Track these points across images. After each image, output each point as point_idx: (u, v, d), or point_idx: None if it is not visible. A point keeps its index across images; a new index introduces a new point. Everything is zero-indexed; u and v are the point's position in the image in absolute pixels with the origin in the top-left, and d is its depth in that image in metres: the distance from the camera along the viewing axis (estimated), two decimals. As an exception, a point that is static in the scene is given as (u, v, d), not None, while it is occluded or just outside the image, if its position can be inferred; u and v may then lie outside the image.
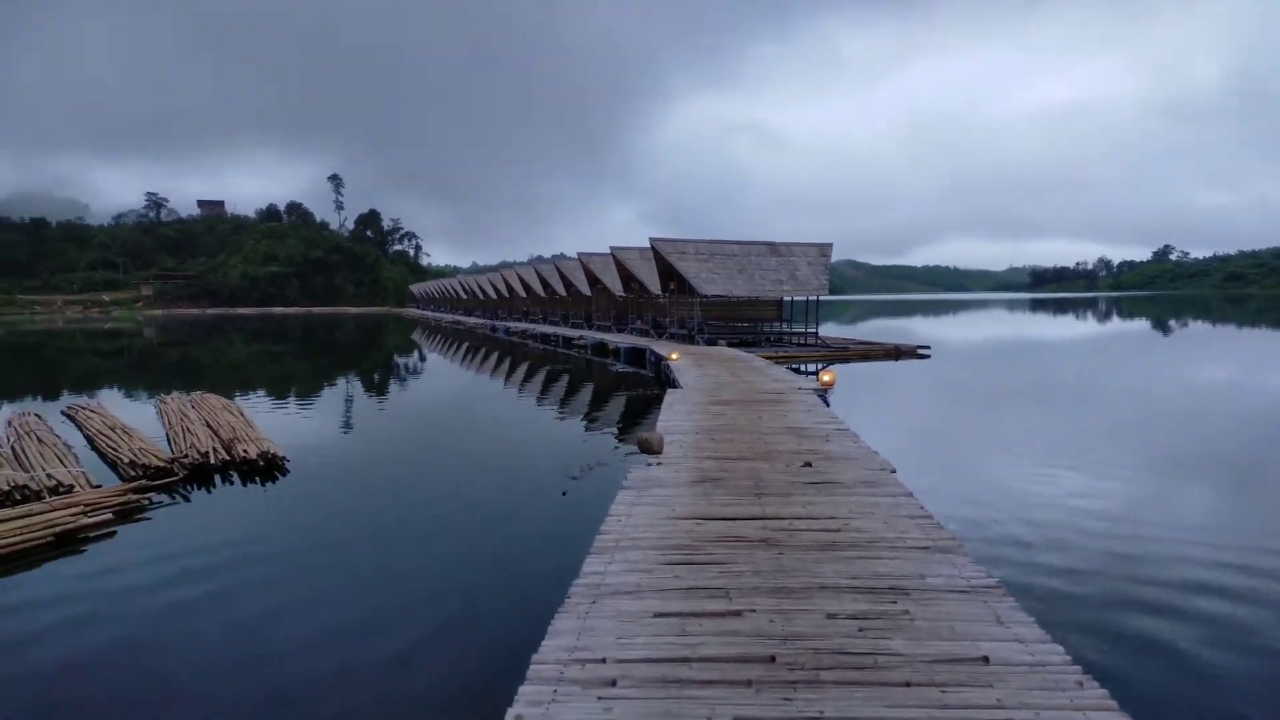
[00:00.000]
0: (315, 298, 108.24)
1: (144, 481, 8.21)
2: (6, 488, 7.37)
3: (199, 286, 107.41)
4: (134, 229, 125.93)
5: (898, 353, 25.36)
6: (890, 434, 11.85)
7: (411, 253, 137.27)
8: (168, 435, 10.98)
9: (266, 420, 14.17)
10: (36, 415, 12.39)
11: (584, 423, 14.14)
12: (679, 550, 4.79)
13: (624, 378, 21.42)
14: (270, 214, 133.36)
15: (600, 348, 28.50)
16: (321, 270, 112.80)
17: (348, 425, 14.23)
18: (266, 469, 9.21)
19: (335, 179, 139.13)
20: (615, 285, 32.59)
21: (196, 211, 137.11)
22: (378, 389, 21.25)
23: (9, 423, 11.61)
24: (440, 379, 23.98)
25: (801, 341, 26.44)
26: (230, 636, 5.14)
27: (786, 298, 27.35)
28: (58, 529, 6.40)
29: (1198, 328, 47.09)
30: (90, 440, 10.78)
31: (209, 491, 8.69)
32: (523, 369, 25.66)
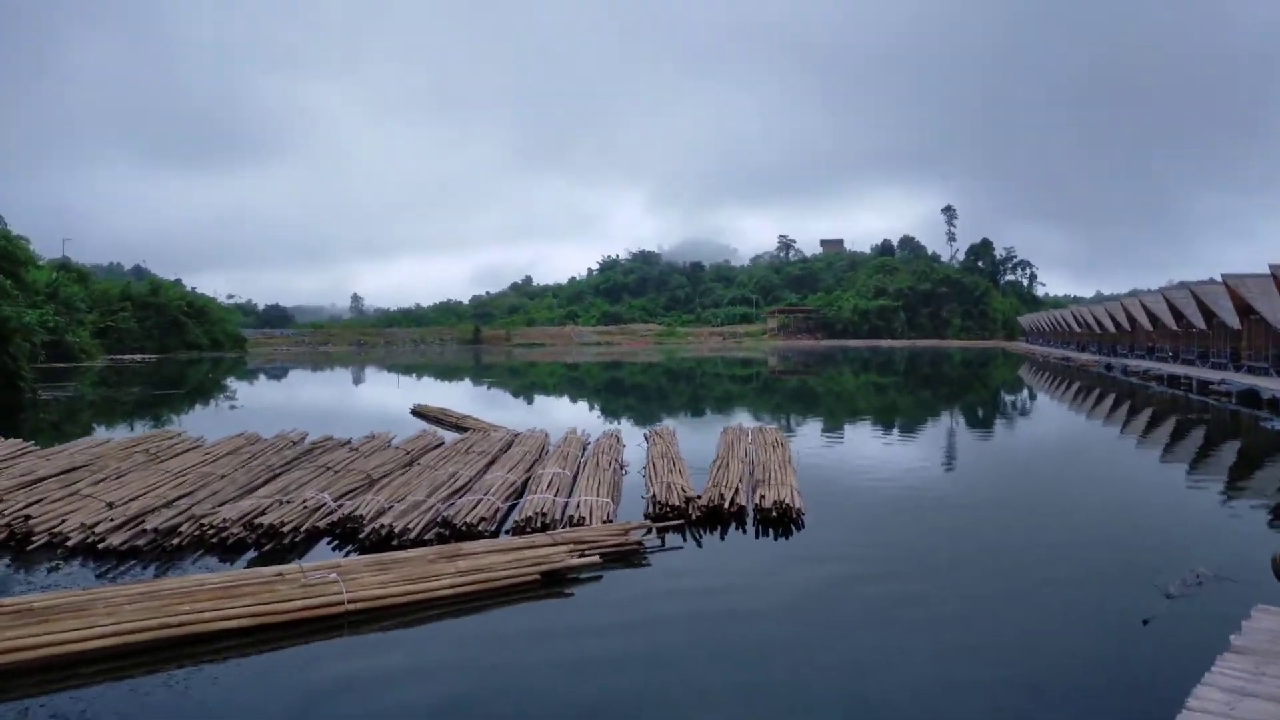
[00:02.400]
0: (921, 330, 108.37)
1: (647, 522, 7.94)
2: (530, 514, 7.67)
3: (816, 320, 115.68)
4: (766, 268, 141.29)
5: None
6: None
7: (1025, 282, 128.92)
8: (711, 467, 10.84)
9: (849, 452, 13.53)
10: (617, 436, 13.51)
11: (1212, 503, 10.54)
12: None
13: (1285, 440, 16.15)
14: (884, 249, 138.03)
15: (1249, 396, 22.26)
16: (929, 302, 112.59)
17: (906, 468, 12.72)
18: (779, 519, 8.33)
19: (948, 210, 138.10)
20: (1279, 316, 25.33)
21: (819, 250, 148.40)
22: (965, 429, 19.33)
23: (596, 442, 12.80)
24: (1034, 424, 21.01)
25: None
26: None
27: None
28: (543, 567, 6.27)
29: None
30: (647, 466, 11.16)
31: (722, 539, 8.10)
32: (1141, 418, 21.27)
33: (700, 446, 13.35)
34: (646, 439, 14.03)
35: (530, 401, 30.42)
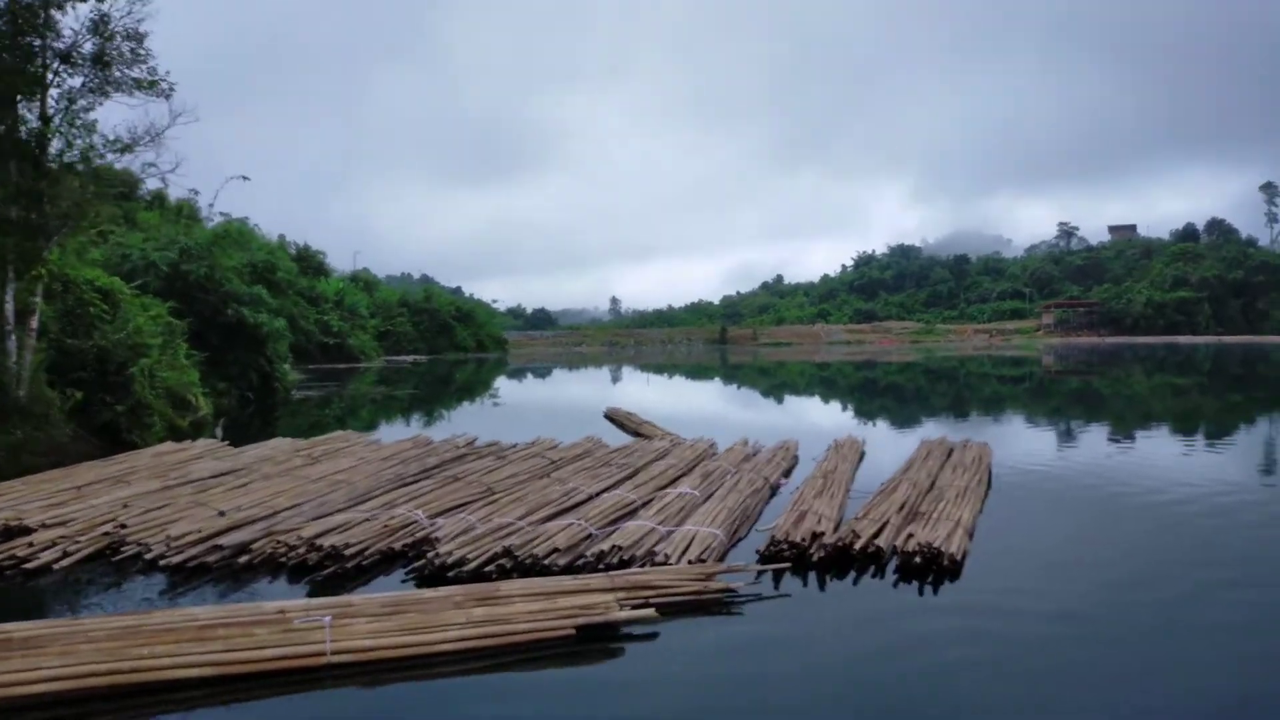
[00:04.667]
0: (1231, 325, 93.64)
1: (740, 564, 6.53)
2: (608, 547, 6.59)
3: (1099, 314, 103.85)
4: (1043, 259, 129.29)
5: None
6: None
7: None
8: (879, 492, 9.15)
9: (1106, 470, 11.25)
10: (790, 448, 12.09)
11: None
12: None
13: None
14: (1186, 234, 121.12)
15: None
16: (1241, 293, 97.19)
17: (1168, 495, 10.09)
18: (924, 566, 6.63)
19: (1268, 187, 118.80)
20: None
21: (1106, 238, 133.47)
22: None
23: (760, 454, 11.47)
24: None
25: None
26: None
27: None
28: (579, 620, 5.19)
29: None
30: (800, 487, 9.68)
31: (855, 585, 6.59)
32: None
33: (893, 463, 11.59)
34: (831, 447, 12.44)
35: (757, 402, 29.28)
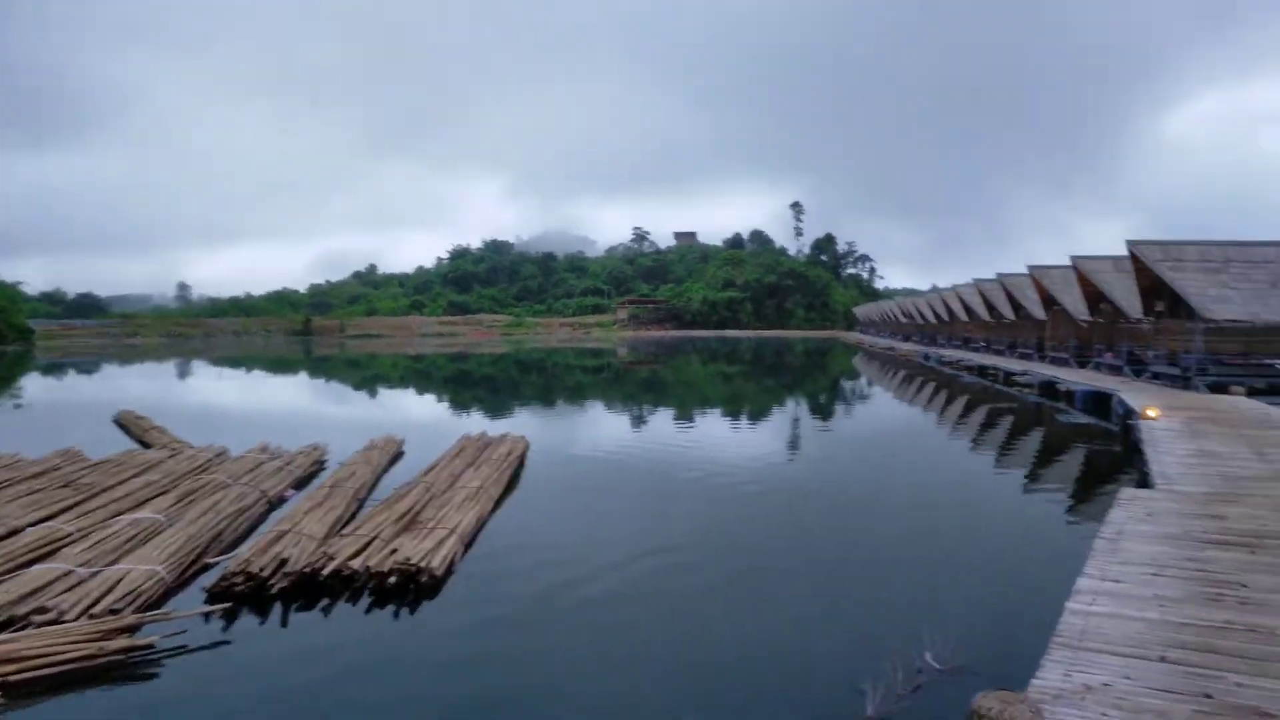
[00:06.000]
0: (767, 321, 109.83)
1: (162, 613, 5.40)
2: (-21, 606, 5.08)
3: (665, 311, 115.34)
4: (620, 260, 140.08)
5: None
6: None
7: (865, 275, 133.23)
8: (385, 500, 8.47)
9: (632, 456, 11.34)
10: (318, 453, 10.99)
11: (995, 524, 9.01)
12: None
13: (1079, 433, 15.39)
14: (734, 242, 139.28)
15: (1048, 388, 21.94)
16: (774, 294, 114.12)
17: (672, 480, 10.69)
18: (399, 587, 6.07)
19: (796, 206, 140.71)
20: (1078, 307, 25.34)
21: (672, 242, 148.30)
22: (769, 427, 17.67)
23: (272, 461, 10.19)
24: (836, 421, 19.69)
25: (1391, 393, 17.30)
26: None
27: (1363, 325, 18.33)
28: None
29: None
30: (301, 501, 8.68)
31: (326, 615, 5.78)
32: (954, 410, 20.42)
33: (429, 462, 11.00)
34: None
35: (319, 398, 27.25)
